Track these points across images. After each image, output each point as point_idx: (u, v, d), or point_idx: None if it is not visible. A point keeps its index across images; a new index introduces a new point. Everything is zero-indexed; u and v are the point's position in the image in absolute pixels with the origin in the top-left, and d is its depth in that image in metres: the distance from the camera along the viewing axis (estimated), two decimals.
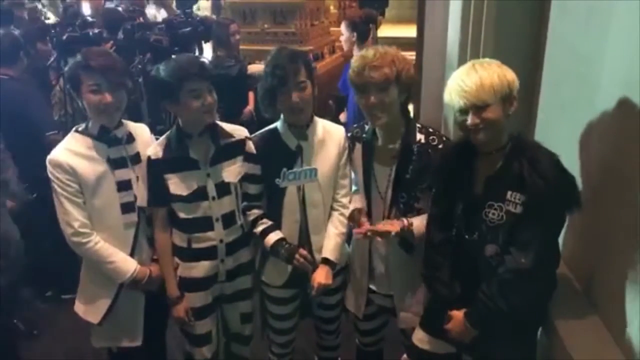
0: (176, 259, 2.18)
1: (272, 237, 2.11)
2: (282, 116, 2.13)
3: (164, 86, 2.00)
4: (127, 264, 2.10)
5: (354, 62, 1.96)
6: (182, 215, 2.12)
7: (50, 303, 3.37)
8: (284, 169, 1.95)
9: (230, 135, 2.14)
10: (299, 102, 2.01)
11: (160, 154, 2.09)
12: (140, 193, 2.12)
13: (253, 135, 2.20)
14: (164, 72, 2.00)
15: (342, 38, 4.14)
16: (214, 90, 2.04)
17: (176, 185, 2.07)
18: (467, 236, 1.74)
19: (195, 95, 1.97)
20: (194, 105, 1.98)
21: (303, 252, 2.10)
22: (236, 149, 2.14)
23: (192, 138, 2.08)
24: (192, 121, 2.05)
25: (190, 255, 2.16)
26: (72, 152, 2.03)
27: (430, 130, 2.05)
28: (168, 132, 2.15)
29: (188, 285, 2.18)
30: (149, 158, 2.09)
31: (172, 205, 2.12)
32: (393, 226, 1.94)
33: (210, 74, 2.06)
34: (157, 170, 2.08)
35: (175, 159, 2.07)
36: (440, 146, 1.99)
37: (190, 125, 2.07)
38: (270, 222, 2.14)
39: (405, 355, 2.15)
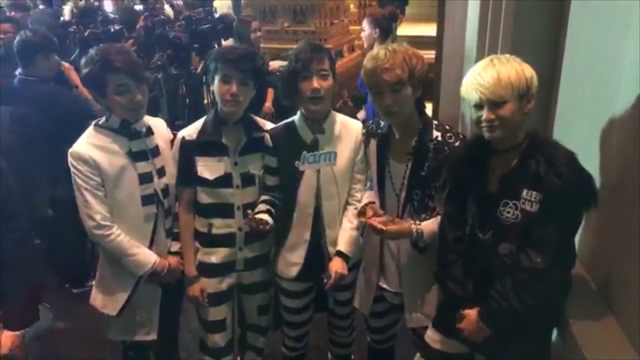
0: (196, 244, 2.22)
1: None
2: (299, 111, 2.15)
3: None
4: (148, 256, 2.13)
5: (366, 62, 1.94)
6: (205, 200, 2.16)
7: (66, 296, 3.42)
8: (304, 152, 1.95)
9: (263, 129, 2.19)
10: (320, 90, 2.02)
11: (194, 136, 2.14)
12: (170, 171, 2.18)
13: (270, 128, 2.22)
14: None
15: (364, 34, 4.11)
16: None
17: (204, 168, 2.12)
18: (480, 235, 1.73)
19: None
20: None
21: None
22: (262, 142, 2.18)
23: (227, 125, 2.12)
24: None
25: (210, 240, 2.20)
26: (93, 145, 2.05)
27: (447, 127, 2.03)
28: (206, 116, 2.19)
29: (206, 270, 2.22)
30: (182, 138, 2.15)
31: (197, 188, 2.16)
32: (402, 228, 1.94)
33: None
34: (188, 151, 2.13)
35: (208, 142, 2.12)
36: (457, 144, 1.97)
37: (225, 113, 2.10)
38: (265, 207, 2.11)
39: (418, 355, 2.14)
